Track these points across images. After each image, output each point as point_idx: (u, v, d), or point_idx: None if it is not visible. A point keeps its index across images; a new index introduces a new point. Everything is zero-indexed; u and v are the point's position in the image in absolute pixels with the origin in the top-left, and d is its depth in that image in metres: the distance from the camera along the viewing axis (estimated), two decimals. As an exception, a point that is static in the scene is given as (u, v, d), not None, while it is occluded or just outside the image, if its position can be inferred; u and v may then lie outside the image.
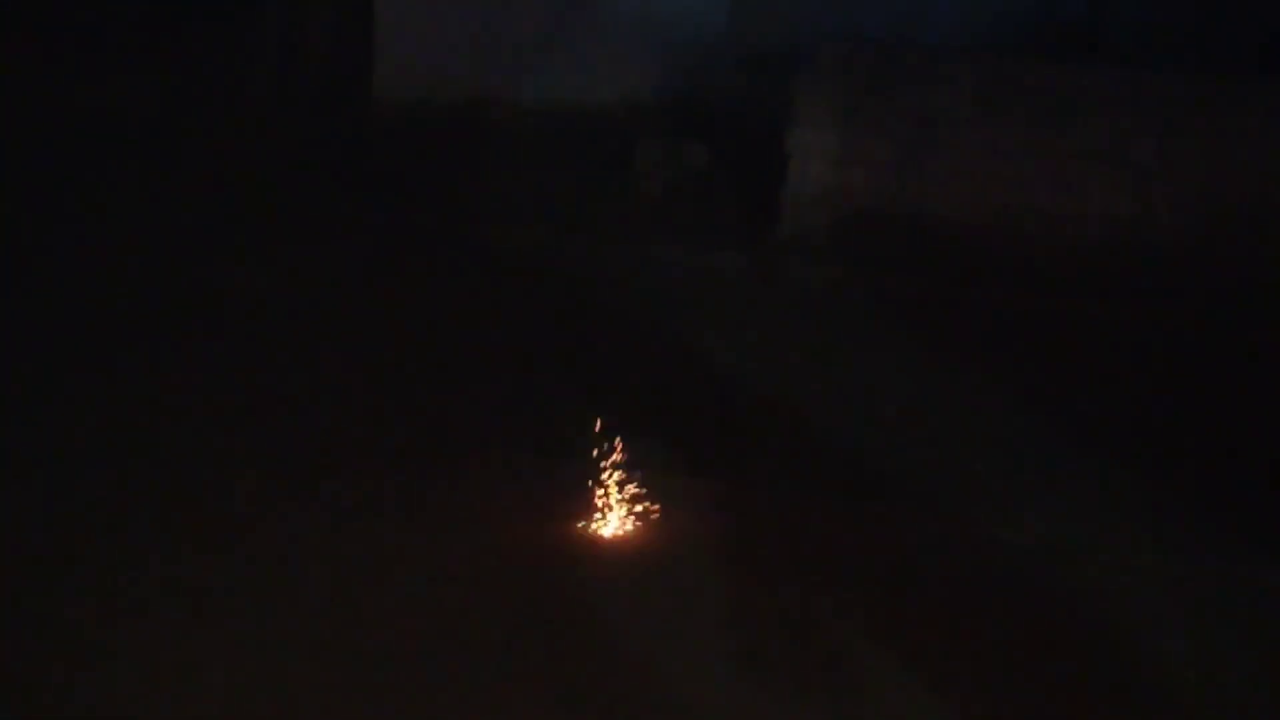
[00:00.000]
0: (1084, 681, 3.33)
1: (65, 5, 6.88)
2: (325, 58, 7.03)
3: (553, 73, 6.86)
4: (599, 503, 3.82)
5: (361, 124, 6.75)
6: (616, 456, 3.93)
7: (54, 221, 5.52)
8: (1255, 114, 5.50)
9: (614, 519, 3.78)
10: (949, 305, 5.40)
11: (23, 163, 5.85)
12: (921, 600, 3.55)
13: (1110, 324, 5.21)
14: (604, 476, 3.87)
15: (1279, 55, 6.21)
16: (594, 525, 3.75)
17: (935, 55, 5.82)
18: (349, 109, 6.81)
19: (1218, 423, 4.59)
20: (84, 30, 6.78)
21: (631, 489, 3.84)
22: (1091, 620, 3.52)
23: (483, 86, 6.89)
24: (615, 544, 3.72)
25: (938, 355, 4.87)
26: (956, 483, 4.08)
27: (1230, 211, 5.50)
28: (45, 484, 3.72)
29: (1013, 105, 5.64)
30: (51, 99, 6.42)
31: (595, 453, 3.93)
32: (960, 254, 5.69)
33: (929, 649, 3.37)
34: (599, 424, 3.99)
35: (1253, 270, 5.40)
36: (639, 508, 3.81)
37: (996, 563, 3.71)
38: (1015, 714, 3.21)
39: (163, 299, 4.95)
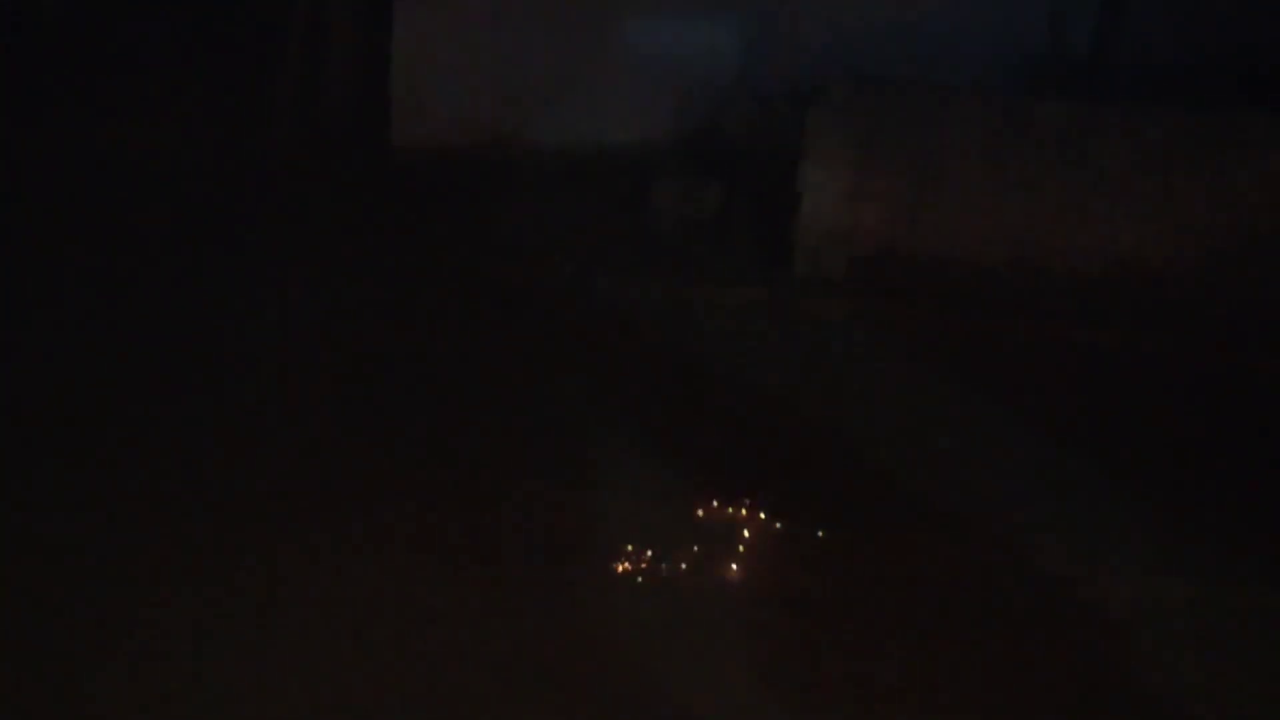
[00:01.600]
0: (1103, 705, 3.42)
1: (84, 45, 7.06)
2: (344, 101, 7.18)
3: (570, 114, 7.00)
4: (631, 537, 3.91)
5: (380, 166, 6.89)
6: (645, 487, 4.03)
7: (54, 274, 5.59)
8: (1256, 149, 5.61)
9: (646, 552, 3.87)
10: (963, 337, 5.50)
11: (34, 203, 5.99)
12: (945, 624, 3.64)
13: (1118, 353, 5.31)
14: (636, 510, 3.97)
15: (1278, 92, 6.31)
16: (627, 560, 3.84)
17: (944, 93, 5.94)
18: (368, 151, 6.95)
19: (1228, 448, 4.68)
20: (102, 72, 6.95)
21: (665, 521, 3.94)
22: (1109, 644, 3.60)
23: (500, 128, 7.03)
24: (648, 579, 3.81)
25: (953, 385, 4.98)
26: (979, 510, 4.18)
27: (1233, 244, 5.60)
28: None
29: (1021, 142, 5.76)
30: (64, 139, 6.57)
31: (625, 484, 4.03)
32: (973, 287, 5.80)
33: (952, 670, 3.46)
34: (624, 455, 4.10)
35: (1256, 300, 5.50)
36: (672, 539, 3.90)
37: (1019, 589, 3.80)
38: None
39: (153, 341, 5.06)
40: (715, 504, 4.11)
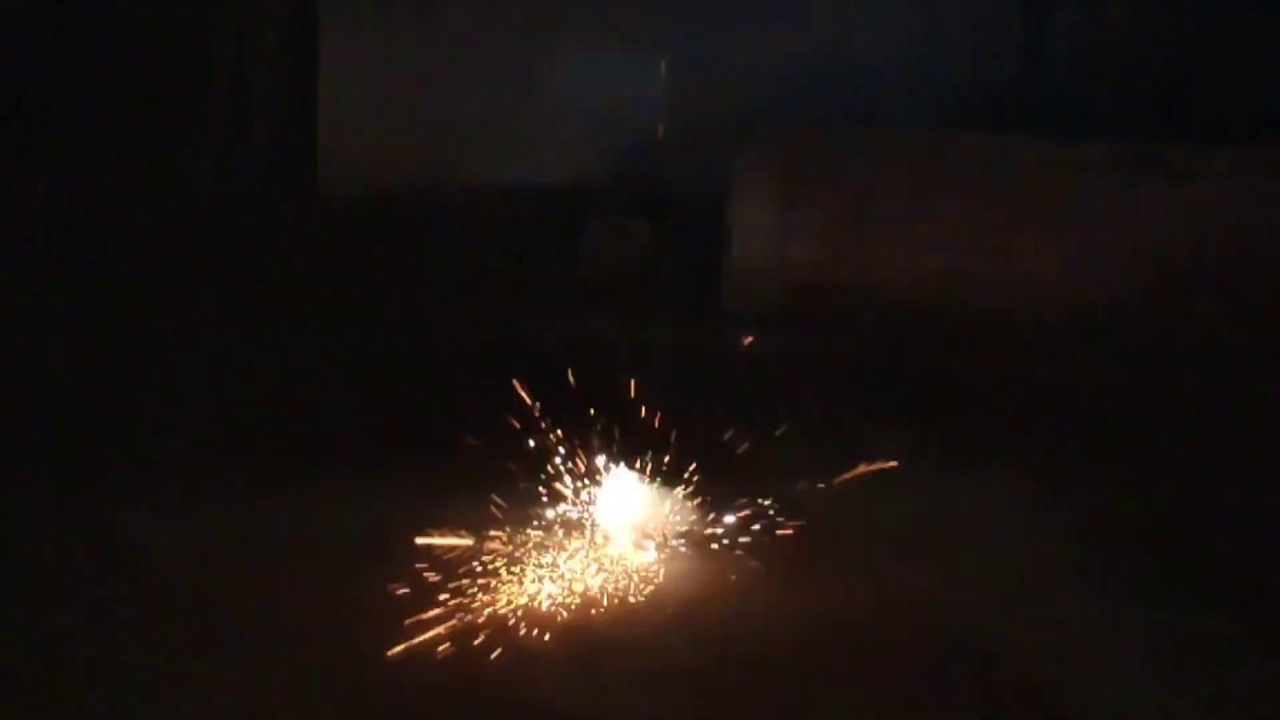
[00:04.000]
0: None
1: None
2: (270, 148, 7.14)
3: (498, 156, 7.01)
4: (568, 570, 3.87)
5: (308, 212, 6.85)
6: (570, 526, 4.00)
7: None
8: (1174, 178, 5.69)
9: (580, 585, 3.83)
10: (888, 369, 5.51)
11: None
12: (868, 659, 3.61)
13: (1043, 382, 5.34)
14: (564, 550, 3.94)
15: (1204, 123, 6.41)
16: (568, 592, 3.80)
17: (866, 129, 6.00)
18: (294, 199, 6.92)
19: (1149, 472, 4.71)
20: (20, 124, 6.87)
21: (593, 556, 3.91)
22: (1025, 669, 3.58)
23: (428, 171, 7.02)
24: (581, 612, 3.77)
25: (877, 417, 4.98)
26: (902, 541, 4.17)
27: (1156, 271, 5.67)
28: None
29: (943, 175, 5.82)
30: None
31: (555, 522, 4.00)
32: (901, 320, 5.82)
33: (870, 700, 3.42)
34: (550, 497, 4.07)
35: (1177, 326, 5.56)
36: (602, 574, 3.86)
37: (931, 617, 3.78)
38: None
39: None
40: (630, 542, 4.06)
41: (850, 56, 7.04)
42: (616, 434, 4.48)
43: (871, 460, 4.46)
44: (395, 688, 3.27)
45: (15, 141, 6.83)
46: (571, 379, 4.72)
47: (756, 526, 4.17)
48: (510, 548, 3.99)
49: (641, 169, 7.09)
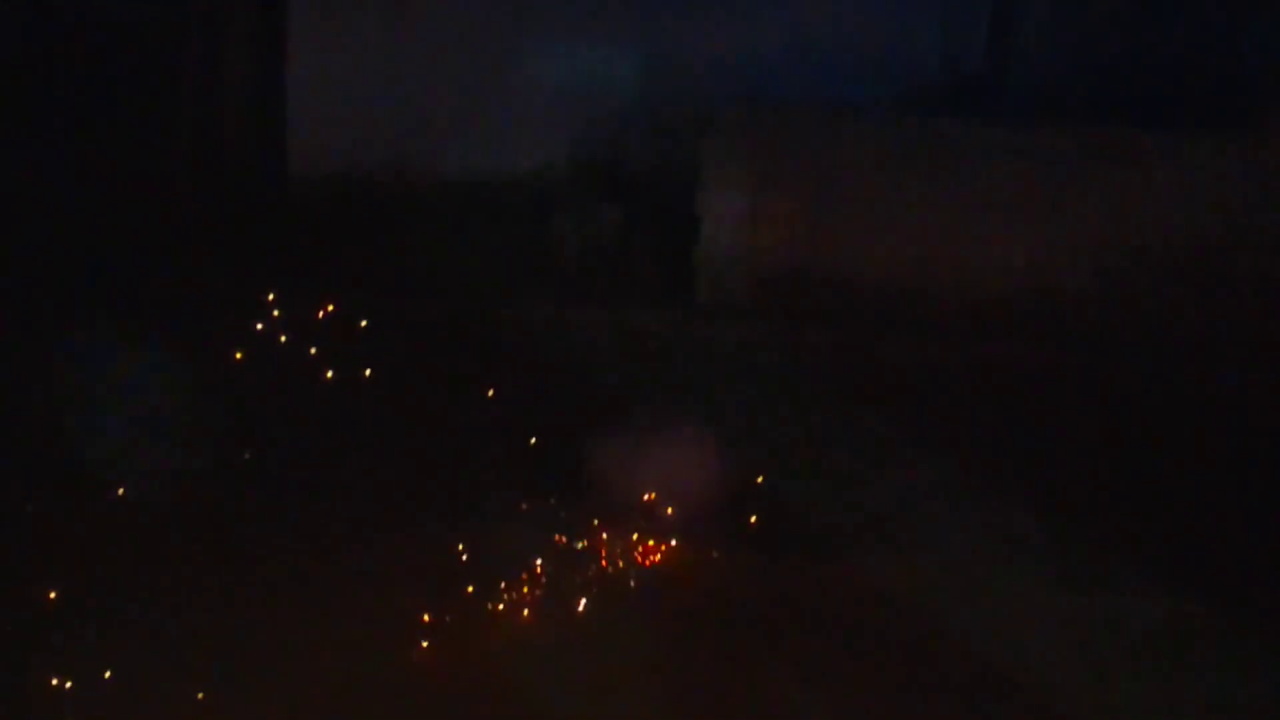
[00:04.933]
0: (980, 711, 3.41)
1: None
2: (241, 134, 7.08)
3: (469, 144, 6.96)
4: (531, 562, 3.87)
5: (278, 199, 6.80)
6: (541, 514, 4.00)
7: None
8: (1145, 165, 5.68)
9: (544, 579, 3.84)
10: (860, 357, 5.51)
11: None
12: (819, 643, 3.63)
13: (1013, 370, 5.35)
14: (532, 535, 3.94)
15: (1174, 108, 6.41)
16: (530, 585, 3.80)
17: (837, 115, 5.98)
18: (266, 185, 6.86)
19: (1112, 460, 4.73)
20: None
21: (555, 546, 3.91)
22: (986, 657, 3.60)
23: (399, 160, 6.97)
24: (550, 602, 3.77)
25: (846, 405, 4.99)
26: (869, 527, 4.19)
27: (1124, 259, 5.66)
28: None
29: (913, 161, 5.80)
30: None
31: (521, 512, 4.00)
32: (872, 307, 5.82)
33: (832, 691, 3.43)
34: (521, 484, 4.07)
35: (1148, 314, 5.56)
36: (564, 564, 3.87)
37: (893, 605, 3.80)
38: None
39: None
40: (602, 529, 4.07)
41: (819, 42, 7.00)
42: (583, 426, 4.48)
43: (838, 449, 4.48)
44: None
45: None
46: (539, 367, 4.74)
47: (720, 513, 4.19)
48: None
49: (612, 156, 7.05)
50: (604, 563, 3.98)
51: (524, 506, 4.14)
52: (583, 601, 3.78)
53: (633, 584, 3.95)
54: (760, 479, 4.41)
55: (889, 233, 5.85)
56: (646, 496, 4.31)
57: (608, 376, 5.17)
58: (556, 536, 4.06)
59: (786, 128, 5.93)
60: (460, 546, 3.97)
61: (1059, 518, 4.32)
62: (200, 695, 3.28)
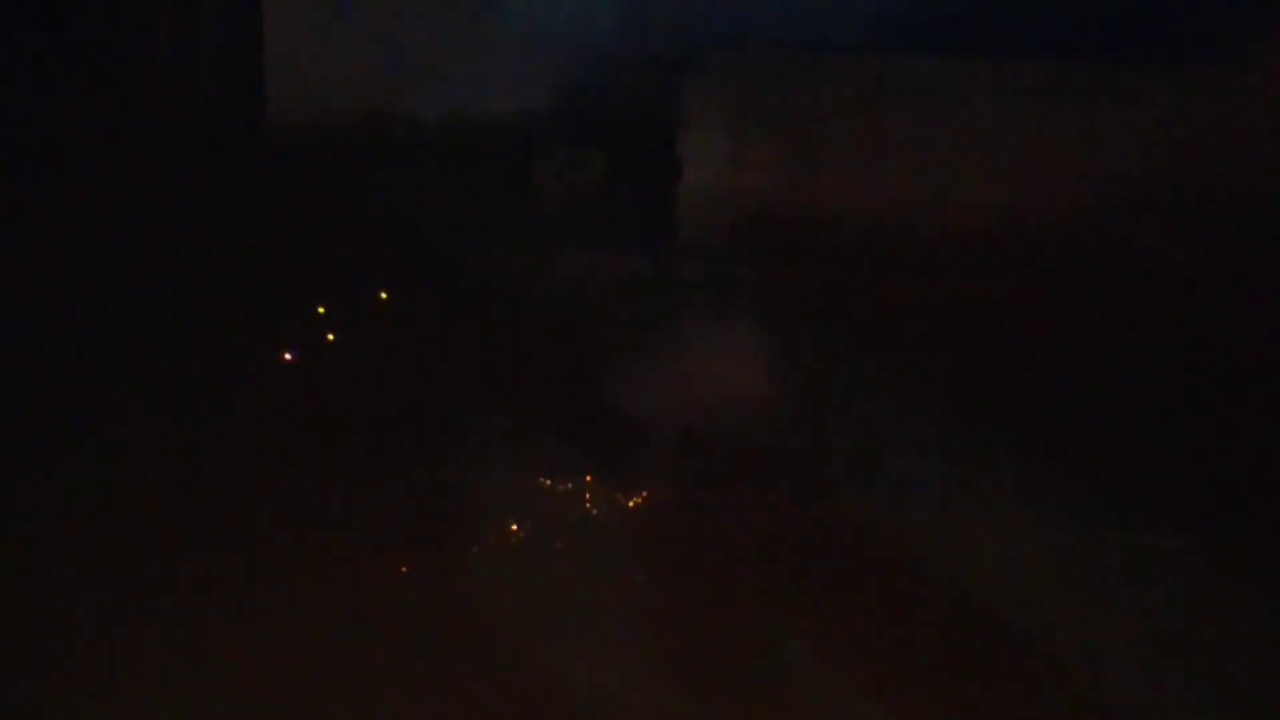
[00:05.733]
0: (973, 652, 3.46)
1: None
2: (219, 79, 7.03)
3: (449, 86, 6.91)
4: (500, 511, 3.91)
5: (257, 146, 6.77)
6: (525, 460, 4.03)
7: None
8: (1127, 98, 5.68)
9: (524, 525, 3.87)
10: (844, 296, 5.52)
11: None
12: (814, 581, 3.67)
13: (995, 307, 5.37)
14: (516, 482, 3.96)
15: (1155, 41, 6.39)
16: (510, 532, 3.84)
17: (819, 54, 5.95)
18: (244, 131, 6.82)
19: (1098, 396, 4.76)
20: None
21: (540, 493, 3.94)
22: (977, 592, 3.65)
23: (379, 103, 6.92)
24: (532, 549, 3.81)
25: (832, 344, 5.01)
26: (842, 467, 4.22)
27: (1105, 194, 5.67)
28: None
29: (895, 99, 5.79)
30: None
31: (507, 458, 4.02)
32: (855, 246, 5.82)
33: (821, 628, 3.48)
34: (507, 428, 4.09)
35: (1128, 250, 5.58)
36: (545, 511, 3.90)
37: (885, 542, 3.84)
38: (906, 687, 3.33)
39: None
40: (588, 476, 4.10)
41: (802, -19, 6.96)
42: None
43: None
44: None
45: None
46: (518, 311, 4.74)
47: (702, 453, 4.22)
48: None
49: (594, 98, 7.01)
50: (588, 505, 4.02)
51: (507, 450, 4.16)
52: (568, 544, 3.82)
53: (617, 525, 3.99)
54: (742, 419, 4.44)
55: (872, 172, 5.85)
56: (629, 438, 4.34)
57: (587, 318, 5.18)
58: (541, 480, 4.10)
59: (769, 68, 5.91)
60: (444, 491, 4.00)
61: (1039, 454, 4.36)
62: (185, 641, 3.33)
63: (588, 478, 4.12)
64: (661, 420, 4.50)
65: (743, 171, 5.92)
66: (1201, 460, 4.38)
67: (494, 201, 6.28)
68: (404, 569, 3.69)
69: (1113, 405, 4.75)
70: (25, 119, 6.53)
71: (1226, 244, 5.59)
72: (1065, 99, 5.73)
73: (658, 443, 4.37)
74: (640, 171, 6.43)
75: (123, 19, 6.99)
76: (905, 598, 3.64)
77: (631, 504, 4.04)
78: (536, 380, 4.79)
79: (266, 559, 3.67)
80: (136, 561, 3.62)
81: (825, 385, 4.72)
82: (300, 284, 5.48)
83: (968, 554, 3.84)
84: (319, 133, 6.78)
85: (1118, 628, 3.62)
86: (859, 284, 5.61)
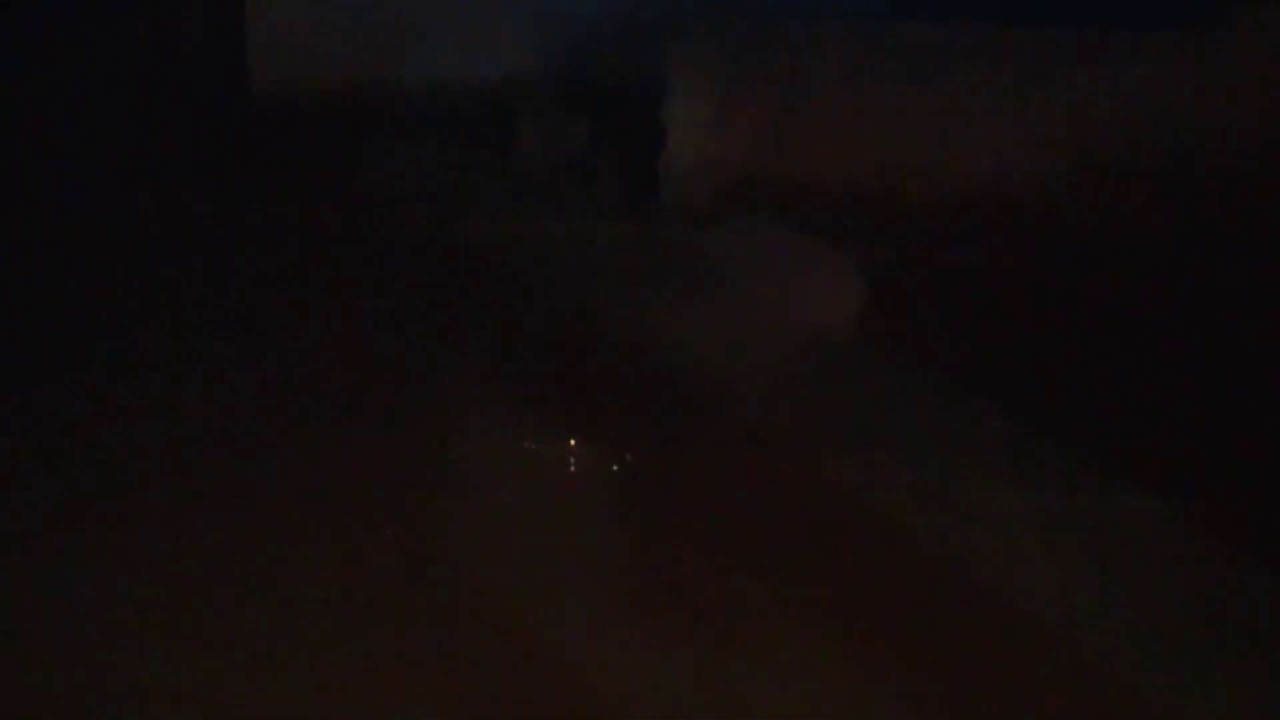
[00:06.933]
0: (941, 614, 3.48)
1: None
2: (201, 48, 6.99)
3: (433, 53, 6.89)
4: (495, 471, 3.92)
5: (240, 114, 6.74)
6: (507, 425, 4.04)
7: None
8: (1112, 65, 5.68)
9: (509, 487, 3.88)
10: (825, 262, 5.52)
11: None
12: (795, 541, 3.69)
13: (979, 275, 5.39)
14: (497, 446, 3.98)
15: (1139, 7, 6.38)
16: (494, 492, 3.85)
17: (803, 21, 5.94)
18: (227, 99, 6.79)
19: (1073, 361, 4.79)
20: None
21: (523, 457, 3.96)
22: (945, 553, 3.67)
23: (362, 70, 6.90)
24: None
25: (817, 309, 5.03)
26: (822, 431, 4.24)
27: (1089, 161, 5.68)
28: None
29: (879, 65, 5.78)
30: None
31: (487, 422, 4.03)
32: (839, 213, 5.83)
33: (799, 586, 3.50)
34: (489, 393, 4.10)
35: (1111, 217, 5.60)
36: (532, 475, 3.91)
37: (854, 504, 3.86)
38: (875, 647, 3.34)
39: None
40: (571, 439, 4.11)
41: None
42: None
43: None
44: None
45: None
46: (500, 276, 4.74)
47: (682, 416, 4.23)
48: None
49: (579, 64, 7.00)
50: (571, 468, 4.03)
51: (489, 415, 4.17)
52: (549, 506, 3.83)
53: (600, 487, 4.00)
54: (723, 383, 4.45)
55: (856, 139, 5.85)
56: (613, 402, 4.35)
57: (570, 284, 5.19)
58: (524, 443, 4.11)
59: (754, 34, 5.90)
60: (427, 453, 4.01)
61: (1021, 418, 4.38)
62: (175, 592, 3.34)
63: (571, 441, 4.12)
64: (645, 384, 4.52)
65: (726, 137, 5.91)
66: (1182, 424, 4.40)
67: (478, 168, 6.27)
68: (388, 533, 3.69)
69: (1091, 371, 4.77)
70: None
71: (1208, 212, 5.61)
72: (1049, 64, 5.72)
73: (641, 406, 4.38)
74: (624, 138, 6.43)
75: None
76: (884, 560, 3.66)
77: (615, 467, 4.04)
78: (519, 345, 4.79)
79: (239, 523, 3.66)
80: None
81: (808, 349, 4.73)
82: (281, 249, 5.47)
83: (951, 516, 3.86)
84: (301, 99, 6.75)
85: (1095, 588, 3.64)
86: (839, 250, 5.62)
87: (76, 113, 6.40)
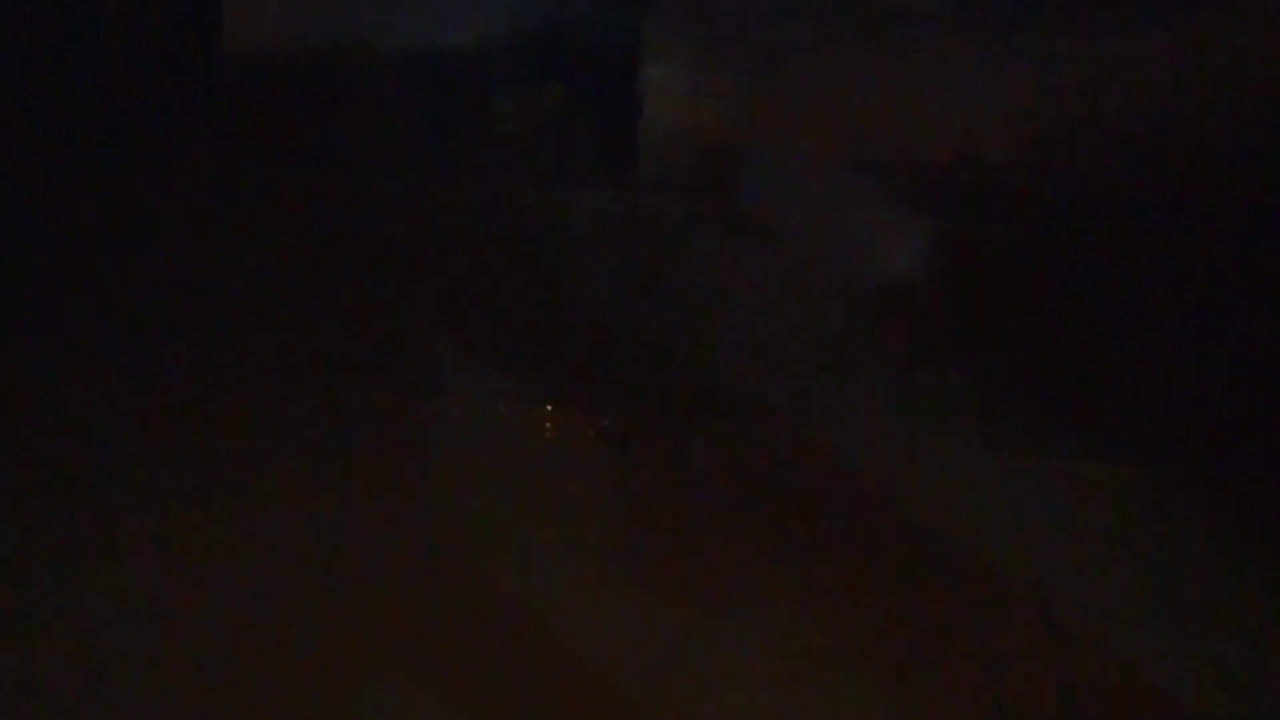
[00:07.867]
0: (915, 576, 3.50)
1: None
2: (173, 18, 6.91)
3: (407, 20, 6.83)
4: (466, 437, 3.91)
5: (211, 79, 6.68)
6: (481, 390, 4.03)
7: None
8: (1083, 31, 5.68)
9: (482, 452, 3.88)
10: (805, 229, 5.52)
11: None
12: (772, 505, 3.70)
13: (953, 241, 5.39)
14: (471, 411, 3.96)
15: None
16: (462, 458, 3.84)
17: (780, -13, 5.92)
18: (199, 64, 6.72)
19: (1045, 325, 4.80)
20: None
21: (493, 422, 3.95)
22: (916, 517, 3.69)
23: (337, 35, 6.84)
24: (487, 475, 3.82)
25: (784, 275, 5.03)
26: (795, 394, 4.25)
27: (1061, 130, 5.69)
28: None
29: (852, 33, 5.77)
30: None
31: (461, 388, 4.02)
32: (815, 182, 5.82)
33: (777, 549, 3.52)
34: (459, 359, 4.08)
35: (1082, 186, 5.61)
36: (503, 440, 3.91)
37: (825, 466, 3.88)
38: (848, 609, 3.37)
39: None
40: (549, 405, 4.11)
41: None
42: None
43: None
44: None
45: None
46: (478, 245, 4.72)
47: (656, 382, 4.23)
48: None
49: (558, 30, 6.95)
50: (548, 433, 4.03)
51: (465, 380, 4.16)
52: (526, 472, 3.83)
53: (576, 455, 4.00)
54: (697, 350, 4.45)
55: (829, 107, 5.84)
56: (591, 368, 4.34)
57: (546, 251, 5.17)
58: (501, 409, 4.10)
59: (730, 2, 5.87)
60: (407, 420, 4.00)
61: (993, 383, 4.40)
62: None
63: (548, 406, 4.12)
64: (623, 350, 4.51)
65: (701, 105, 5.89)
66: (1156, 389, 4.43)
67: (451, 134, 6.23)
68: (365, 497, 3.68)
69: (1065, 336, 4.79)
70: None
71: (1182, 181, 5.63)
72: (1023, 32, 5.72)
73: (619, 372, 4.38)
74: (602, 105, 6.40)
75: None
76: (860, 523, 3.68)
77: (592, 433, 4.04)
78: (496, 312, 4.78)
79: (214, 492, 3.65)
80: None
81: (790, 314, 4.74)
82: (253, 214, 5.43)
83: (922, 480, 3.88)
84: (273, 64, 6.69)
85: (1068, 552, 3.67)
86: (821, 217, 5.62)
87: (43, 75, 6.32)
